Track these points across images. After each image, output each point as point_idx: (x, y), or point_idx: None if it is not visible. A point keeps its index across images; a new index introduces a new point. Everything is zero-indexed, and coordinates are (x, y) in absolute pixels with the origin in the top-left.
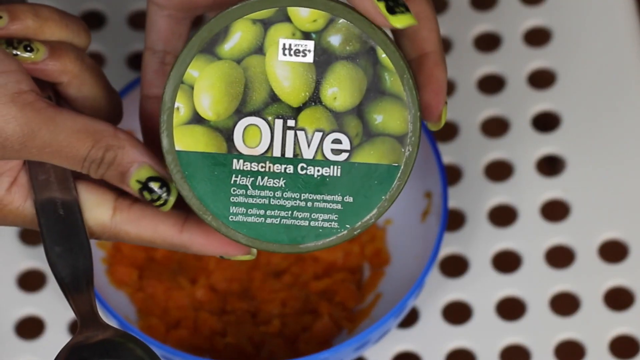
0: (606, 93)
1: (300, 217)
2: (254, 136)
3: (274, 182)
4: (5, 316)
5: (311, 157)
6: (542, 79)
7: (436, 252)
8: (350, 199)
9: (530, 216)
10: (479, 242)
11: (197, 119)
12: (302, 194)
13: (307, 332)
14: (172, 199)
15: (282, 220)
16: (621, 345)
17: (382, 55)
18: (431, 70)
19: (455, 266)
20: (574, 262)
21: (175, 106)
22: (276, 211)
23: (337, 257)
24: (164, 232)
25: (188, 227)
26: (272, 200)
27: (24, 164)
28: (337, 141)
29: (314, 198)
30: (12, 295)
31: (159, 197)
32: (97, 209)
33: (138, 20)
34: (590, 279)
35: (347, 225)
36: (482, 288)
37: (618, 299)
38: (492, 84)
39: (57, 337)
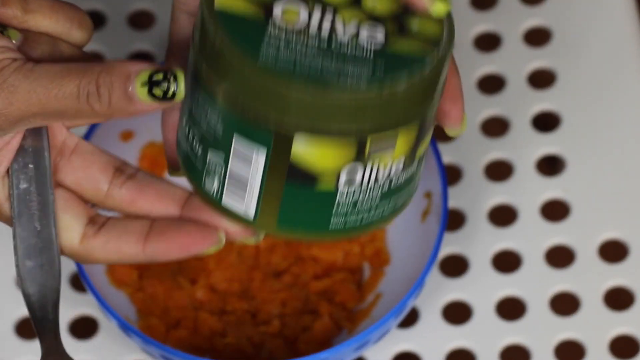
0: (606, 93)
1: (329, 73)
2: (292, 16)
3: (306, 46)
4: (5, 316)
5: (346, 40)
6: (542, 79)
7: (436, 252)
8: (381, 72)
9: (530, 216)
10: (479, 242)
11: None
12: (333, 60)
13: (307, 332)
14: (181, 85)
15: (311, 71)
16: (621, 345)
17: None
18: (447, 77)
19: (455, 266)
20: (574, 262)
21: None
22: (306, 66)
23: (337, 257)
24: (128, 251)
25: (150, 241)
26: (302, 57)
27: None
28: (373, 32)
29: (345, 65)
30: (12, 295)
31: (169, 87)
32: (68, 233)
33: (138, 20)
34: (590, 278)
35: (376, 84)
36: (482, 288)
37: (618, 298)
38: (492, 84)
39: None
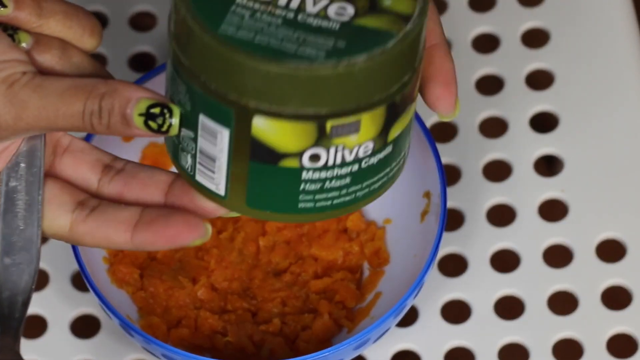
0: (604, 94)
1: (288, 45)
2: None
3: (271, 19)
4: None
5: (314, 13)
6: (540, 80)
7: (435, 252)
8: (343, 44)
9: (528, 216)
10: (478, 241)
11: None
12: (296, 32)
13: (307, 331)
14: (175, 121)
15: (270, 42)
16: (619, 344)
17: None
18: (441, 62)
19: (454, 265)
20: (572, 261)
21: None
22: (266, 37)
23: (337, 256)
24: (116, 240)
25: (138, 230)
26: (264, 29)
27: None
28: (342, 8)
29: (306, 37)
30: None
31: (164, 121)
32: (56, 221)
33: (139, 21)
34: (588, 278)
35: (333, 58)
36: (480, 287)
37: (616, 298)
38: (490, 85)
39: (58, 336)
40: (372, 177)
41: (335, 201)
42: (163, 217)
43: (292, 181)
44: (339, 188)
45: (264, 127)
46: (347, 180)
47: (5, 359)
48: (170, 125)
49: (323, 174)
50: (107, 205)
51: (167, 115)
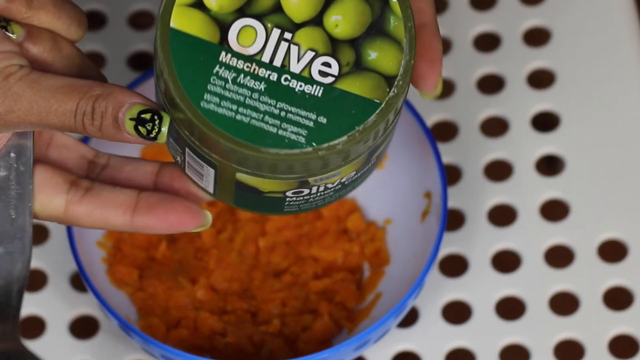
0: (605, 93)
1: (270, 122)
2: (249, 37)
3: (254, 84)
4: None
5: (297, 72)
6: (541, 79)
7: (436, 252)
8: (324, 121)
9: (529, 216)
10: (479, 242)
11: (199, 4)
12: (278, 103)
13: (307, 332)
14: (164, 129)
15: (252, 120)
16: (620, 345)
17: (393, 0)
18: (428, 40)
19: (455, 266)
20: (573, 261)
21: None
22: (248, 110)
23: (337, 257)
24: (115, 222)
25: (139, 214)
26: (247, 99)
27: None
28: (326, 64)
29: (289, 109)
30: None
31: (153, 127)
32: (50, 204)
33: (139, 21)
34: (589, 278)
35: (313, 144)
36: (481, 288)
37: (617, 298)
38: (491, 84)
39: (57, 337)
40: (354, 184)
41: (319, 204)
42: (164, 202)
43: (277, 201)
44: (323, 199)
45: (247, 179)
46: (330, 195)
47: (7, 347)
48: (158, 132)
49: (307, 197)
50: (101, 186)
51: (157, 122)
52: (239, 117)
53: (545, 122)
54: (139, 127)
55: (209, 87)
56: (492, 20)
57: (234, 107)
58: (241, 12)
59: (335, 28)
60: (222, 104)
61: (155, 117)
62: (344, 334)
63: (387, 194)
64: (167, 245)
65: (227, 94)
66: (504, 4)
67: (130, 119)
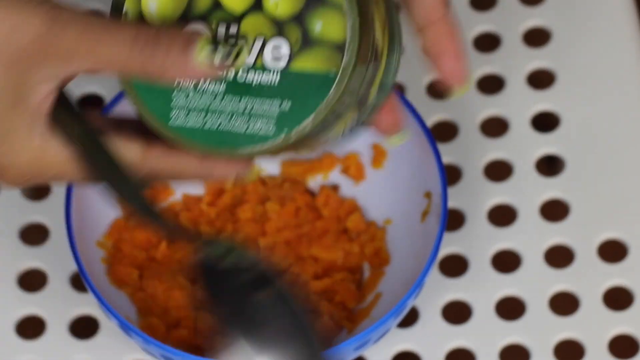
0: (605, 93)
1: (238, 122)
2: (198, 42)
3: (214, 88)
4: (5, 316)
5: (251, 64)
6: (541, 79)
7: (436, 252)
8: (288, 105)
9: (529, 216)
10: (479, 242)
11: (142, 22)
12: (242, 100)
13: None
14: (244, 55)
15: (220, 125)
16: (620, 345)
17: None
18: (443, 39)
19: (455, 266)
20: (573, 261)
21: (124, 11)
22: (215, 116)
23: (337, 257)
24: (187, 163)
25: (206, 160)
26: (212, 105)
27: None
28: (277, 47)
29: (252, 104)
30: (12, 295)
31: (230, 53)
32: (128, 153)
33: None
34: (589, 278)
35: (284, 132)
36: (481, 288)
37: (617, 298)
38: (491, 84)
39: (57, 336)
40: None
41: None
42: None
43: None
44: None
45: None
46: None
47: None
48: (241, 49)
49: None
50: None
51: (236, 48)
52: (207, 125)
53: (545, 122)
54: (220, 46)
55: (172, 104)
56: (492, 20)
57: (201, 116)
58: (185, 18)
59: (276, 9)
60: (189, 116)
61: (235, 44)
62: (344, 334)
63: (387, 194)
64: (167, 245)
65: (191, 104)
66: (504, 4)
67: (205, 44)
